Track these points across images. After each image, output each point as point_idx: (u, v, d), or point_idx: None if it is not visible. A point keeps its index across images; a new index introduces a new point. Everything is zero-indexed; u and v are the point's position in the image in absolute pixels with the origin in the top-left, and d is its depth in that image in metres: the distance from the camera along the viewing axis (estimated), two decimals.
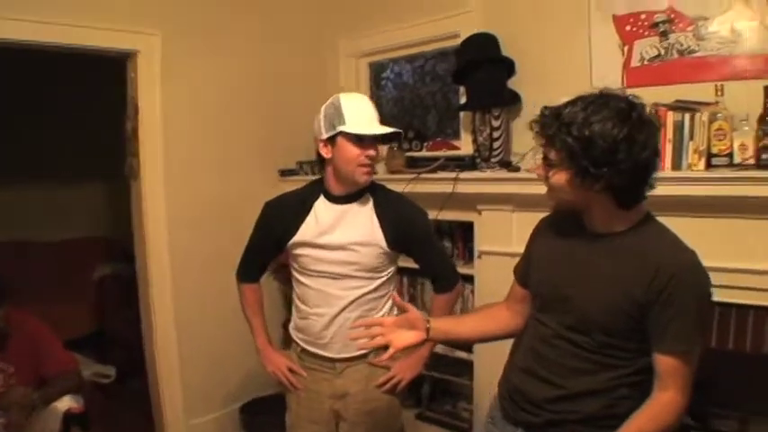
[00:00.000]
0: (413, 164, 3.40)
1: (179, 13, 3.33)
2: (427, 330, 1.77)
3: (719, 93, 2.39)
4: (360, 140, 2.03)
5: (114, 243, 5.15)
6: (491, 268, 3.02)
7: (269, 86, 3.77)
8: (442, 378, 3.42)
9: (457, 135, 3.57)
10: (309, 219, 2.15)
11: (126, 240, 4.67)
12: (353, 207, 2.14)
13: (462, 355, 3.19)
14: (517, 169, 2.93)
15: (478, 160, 3.13)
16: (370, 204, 2.15)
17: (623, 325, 1.52)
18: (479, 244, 3.12)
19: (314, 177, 3.67)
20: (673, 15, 2.63)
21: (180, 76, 3.34)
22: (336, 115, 2.02)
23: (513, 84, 3.12)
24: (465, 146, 3.43)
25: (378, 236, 2.11)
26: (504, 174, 2.94)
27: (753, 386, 2.53)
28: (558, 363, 1.62)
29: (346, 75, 4.01)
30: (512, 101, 3.10)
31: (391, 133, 2.06)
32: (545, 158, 1.58)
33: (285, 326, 3.73)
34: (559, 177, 1.54)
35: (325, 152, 2.08)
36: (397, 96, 3.96)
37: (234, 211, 3.58)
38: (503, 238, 3.00)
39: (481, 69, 3.07)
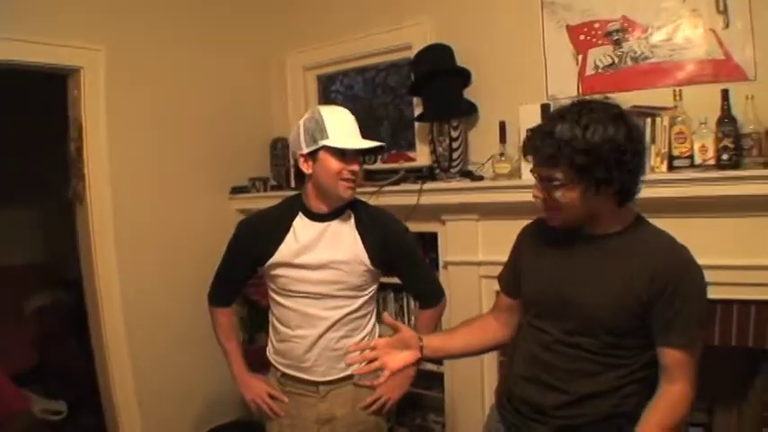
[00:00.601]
0: (369, 177, 3.38)
1: (124, 28, 3.22)
2: (420, 348, 1.75)
3: (678, 97, 2.48)
4: (343, 154, 1.98)
5: (51, 270, 4.90)
6: (457, 278, 3.03)
7: (217, 102, 3.70)
8: (410, 391, 3.38)
9: (412, 146, 3.56)
10: (288, 238, 2.07)
11: (64, 267, 4.49)
12: (334, 224, 2.08)
13: (432, 367, 3.18)
14: (480, 178, 2.96)
15: (438, 171, 3.14)
16: (352, 221, 2.10)
17: (629, 323, 1.54)
18: (444, 254, 3.13)
19: (265, 194, 3.68)
20: (626, 24, 2.72)
21: (125, 93, 3.23)
22: (318, 129, 1.97)
23: (468, 94, 3.15)
24: (421, 157, 3.43)
25: (361, 253, 2.07)
26: (468, 183, 2.96)
27: (718, 377, 2.62)
28: (562, 368, 1.62)
29: (294, 88, 3.96)
30: (469, 111, 3.12)
31: (374, 147, 2.03)
32: (546, 180, 1.56)
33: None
34: (571, 195, 1.53)
35: (306, 167, 2.02)
36: (348, 109, 3.90)
37: (186, 230, 3.53)
38: (468, 247, 3.02)
39: (438, 80, 3.08)
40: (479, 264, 2.98)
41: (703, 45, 2.55)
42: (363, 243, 2.08)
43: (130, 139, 3.27)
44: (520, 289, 1.80)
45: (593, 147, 1.45)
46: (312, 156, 2.00)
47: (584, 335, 1.59)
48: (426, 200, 3.04)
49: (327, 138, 1.96)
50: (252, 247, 2.13)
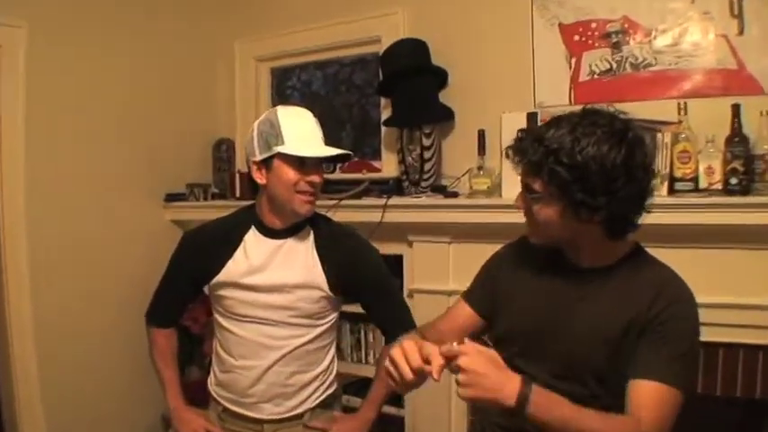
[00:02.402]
0: (326, 188, 3.27)
1: (51, 4, 3.10)
2: None
3: (682, 111, 2.47)
4: (301, 164, 1.95)
5: None
6: (424, 308, 2.89)
7: (154, 93, 3.60)
8: None
9: (377, 155, 3.52)
10: (238, 254, 2.06)
11: None
12: (290, 242, 2.06)
13: (391, 410, 3.10)
14: (455, 195, 2.92)
15: (406, 184, 3.10)
16: (311, 240, 2.08)
17: (619, 370, 1.49)
18: (410, 281, 3.08)
19: (205, 204, 3.59)
20: (627, 25, 2.71)
21: (49, 79, 3.11)
22: (273, 133, 1.94)
23: (444, 97, 3.11)
24: (387, 167, 3.39)
25: (318, 277, 2.04)
26: (440, 200, 2.91)
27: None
28: None
29: (243, 82, 3.90)
30: (444, 117, 3.08)
31: (338, 155, 2.00)
32: (528, 190, 1.54)
33: None
34: (548, 212, 1.51)
35: (259, 177, 2.00)
36: (306, 108, 3.85)
37: (112, 244, 3.43)
38: (438, 273, 2.97)
39: (410, 80, 3.04)
40: (450, 293, 2.91)
41: (714, 53, 2.55)
42: (322, 266, 2.06)
43: (51, 132, 3.14)
44: (490, 309, 1.76)
45: (578, 163, 1.41)
46: (266, 163, 1.97)
47: (572, 380, 1.54)
48: (392, 217, 2.98)
49: (283, 143, 1.93)
50: (196, 263, 2.12)
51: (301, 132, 1.96)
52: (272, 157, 1.95)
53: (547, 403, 1.35)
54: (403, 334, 2.16)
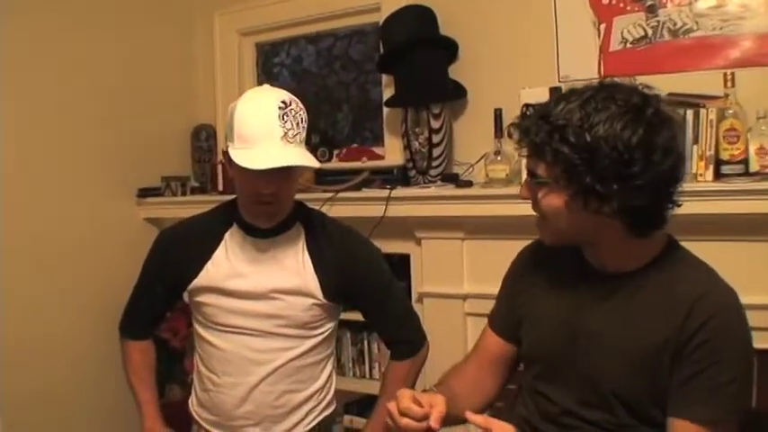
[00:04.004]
0: (320, 179, 3.32)
1: None
2: None
3: (729, 83, 2.44)
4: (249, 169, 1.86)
5: None
6: (435, 316, 2.95)
7: (122, 75, 3.60)
8: None
9: (379, 140, 3.53)
10: (218, 255, 2.06)
11: None
12: (277, 242, 2.05)
13: None
14: (469, 184, 2.91)
15: (413, 173, 3.11)
16: (302, 239, 2.07)
17: (654, 396, 1.48)
18: (419, 284, 3.08)
19: (184, 199, 3.60)
20: None
21: (9, 59, 3.11)
22: (229, 126, 1.91)
23: (454, 72, 3.12)
24: (391, 153, 3.39)
25: (310, 282, 2.03)
26: (452, 190, 2.91)
27: None
28: None
29: (225, 59, 3.91)
30: (455, 94, 3.09)
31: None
32: (531, 175, 1.53)
33: None
34: (553, 200, 1.48)
35: (229, 169, 1.99)
36: (296, 89, 3.84)
37: (77, 243, 3.42)
38: (451, 274, 2.98)
39: (415, 53, 3.04)
40: (465, 297, 2.93)
41: (765, 14, 2.52)
42: (315, 269, 2.05)
43: (12, 118, 3.13)
44: (515, 331, 1.74)
45: (587, 143, 1.38)
46: (230, 158, 1.93)
47: (598, 408, 1.53)
48: (396, 211, 2.98)
49: (233, 143, 1.89)
50: (172, 265, 2.13)
51: (255, 129, 1.86)
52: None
53: None
54: (410, 345, 2.20)
